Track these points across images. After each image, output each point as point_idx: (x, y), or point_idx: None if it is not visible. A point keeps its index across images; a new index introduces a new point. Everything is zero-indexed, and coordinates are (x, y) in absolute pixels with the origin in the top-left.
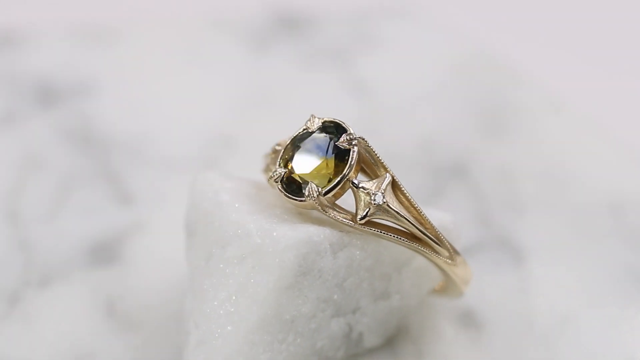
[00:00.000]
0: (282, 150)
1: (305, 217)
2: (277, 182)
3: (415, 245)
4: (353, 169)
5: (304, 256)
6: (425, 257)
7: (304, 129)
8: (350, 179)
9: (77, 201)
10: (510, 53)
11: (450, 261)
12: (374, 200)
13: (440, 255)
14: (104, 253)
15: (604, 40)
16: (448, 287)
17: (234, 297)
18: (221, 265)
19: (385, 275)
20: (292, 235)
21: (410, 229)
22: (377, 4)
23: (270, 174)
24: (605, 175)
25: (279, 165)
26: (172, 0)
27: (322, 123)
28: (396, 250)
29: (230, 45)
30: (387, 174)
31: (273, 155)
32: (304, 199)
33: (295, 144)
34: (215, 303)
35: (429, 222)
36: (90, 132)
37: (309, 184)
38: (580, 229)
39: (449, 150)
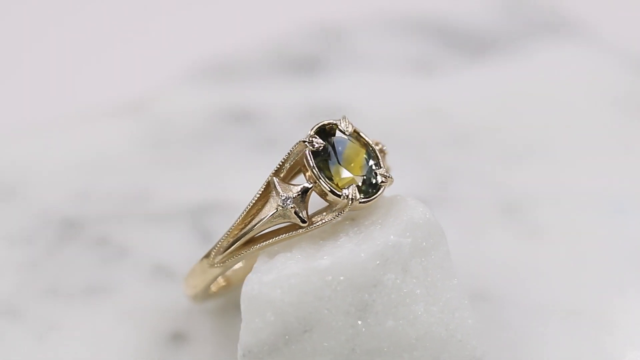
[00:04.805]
0: (319, 179)
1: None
2: (355, 198)
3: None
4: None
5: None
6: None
7: (316, 148)
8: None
9: None
10: None
11: None
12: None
13: None
14: None
15: None
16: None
17: (430, 298)
18: (392, 296)
19: None
20: (421, 208)
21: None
22: None
23: (348, 195)
24: None
25: (334, 187)
26: None
27: (317, 132)
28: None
29: None
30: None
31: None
32: (382, 190)
33: (322, 163)
34: (415, 319)
35: None
36: None
37: (378, 176)
38: None
39: None
